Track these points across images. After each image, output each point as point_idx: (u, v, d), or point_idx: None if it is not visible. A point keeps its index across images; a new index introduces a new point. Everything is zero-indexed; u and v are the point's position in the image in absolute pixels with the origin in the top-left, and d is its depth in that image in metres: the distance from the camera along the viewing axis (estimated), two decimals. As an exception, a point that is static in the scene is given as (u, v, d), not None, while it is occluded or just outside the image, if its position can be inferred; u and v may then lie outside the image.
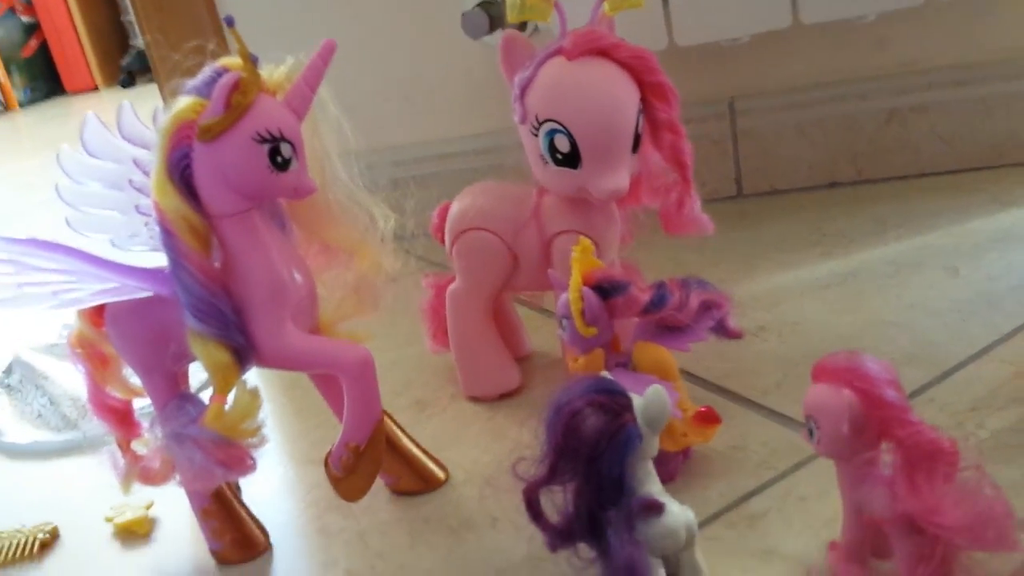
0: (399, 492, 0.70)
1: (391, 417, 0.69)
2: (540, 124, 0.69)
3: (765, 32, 0.97)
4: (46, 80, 3.63)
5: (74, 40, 3.53)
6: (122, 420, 0.69)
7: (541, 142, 0.69)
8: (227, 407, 0.59)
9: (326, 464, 0.64)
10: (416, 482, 0.70)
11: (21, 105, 3.56)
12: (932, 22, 1.02)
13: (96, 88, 3.55)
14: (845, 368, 0.48)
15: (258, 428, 0.60)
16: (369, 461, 0.63)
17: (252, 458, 0.60)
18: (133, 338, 0.63)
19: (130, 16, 3.44)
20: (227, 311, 0.58)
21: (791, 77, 1.08)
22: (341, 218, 0.65)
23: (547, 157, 0.69)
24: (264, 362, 0.61)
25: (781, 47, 1.05)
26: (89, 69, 3.56)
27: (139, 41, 3.42)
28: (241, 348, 0.59)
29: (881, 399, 0.47)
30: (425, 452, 0.71)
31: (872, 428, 0.48)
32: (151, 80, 3.22)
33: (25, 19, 3.60)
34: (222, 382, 0.58)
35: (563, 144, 0.68)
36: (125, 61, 3.42)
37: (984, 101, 1.02)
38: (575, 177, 0.69)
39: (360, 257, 0.66)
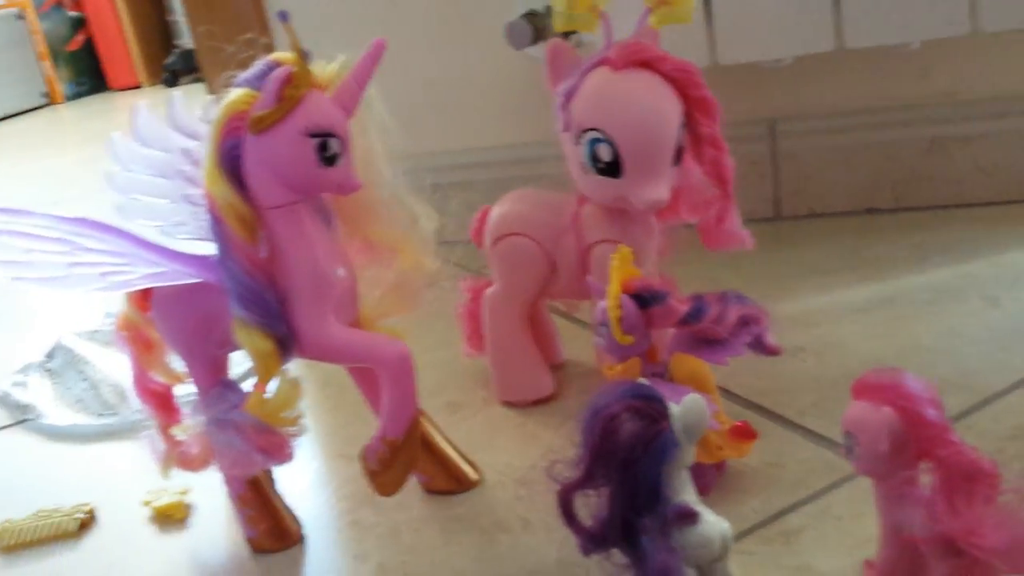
0: (432, 491, 0.71)
1: (427, 417, 0.70)
2: (583, 133, 0.69)
3: (808, 54, 0.98)
4: (91, 75, 3.68)
5: (119, 37, 3.58)
6: (163, 405, 0.70)
7: (583, 150, 0.70)
8: (268, 395, 0.60)
9: (362, 458, 0.65)
10: (449, 482, 0.70)
11: (66, 99, 3.62)
12: (976, 52, 1.02)
13: (139, 86, 3.60)
14: (886, 385, 0.48)
15: (298, 417, 0.61)
16: (405, 456, 0.64)
17: (291, 446, 0.61)
18: (178, 323, 0.64)
19: (175, 16, 3.50)
20: (272, 300, 0.59)
21: (833, 101, 1.08)
22: (385, 216, 0.66)
23: (588, 166, 0.70)
24: (306, 353, 0.62)
25: (824, 70, 1.06)
26: (133, 66, 3.61)
27: (183, 41, 3.47)
28: (284, 337, 0.60)
29: (922, 418, 0.47)
30: (459, 452, 0.72)
31: (912, 447, 0.47)
32: (193, 80, 3.26)
33: (72, 14, 3.66)
34: (264, 370, 0.59)
35: (605, 153, 0.69)
36: (169, 60, 3.46)
37: (1027, 133, 1.01)
38: (616, 186, 0.69)
39: (402, 255, 0.67)
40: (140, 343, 0.69)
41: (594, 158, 0.69)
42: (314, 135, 0.58)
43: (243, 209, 0.59)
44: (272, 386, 0.60)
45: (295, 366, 0.63)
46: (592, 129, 0.69)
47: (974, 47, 1.01)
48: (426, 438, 0.69)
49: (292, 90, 0.57)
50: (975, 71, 1.03)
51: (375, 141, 0.65)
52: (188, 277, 0.61)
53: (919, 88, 1.06)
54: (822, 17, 0.94)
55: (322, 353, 0.62)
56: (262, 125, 0.57)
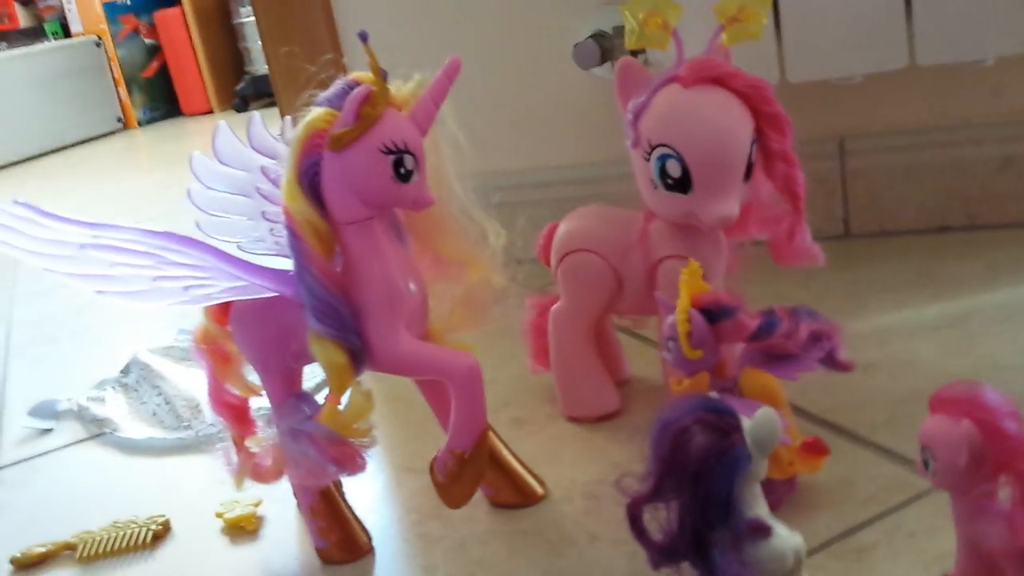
0: (498, 505, 0.71)
1: (494, 431, 0.71)
2: (652, 149, 0.70)
3: (879, 72, 0.97)
4: (164, 101, 3.79)
5: (193, 64, 3.68)
6: (239, 417, 0.72)
7: (653, 166, 0.70)
8: (341, 407, 0.61)
9: (431, 470, 0.65)
10: (515, 496, 0.71)
11: (140, 124, 3.72)
12: (1052, 69, 1.00)
13: (211, 111, 3.70)
14: (965, 398, 0.47)
15: (370, 428, 0.62)
16: (473, 469, 0.64)
17: (363, 457, 0.62)
18: (255, 336, 0.66)
19: (247, 43, 3.59)
20: (346, 314, 0.60)
21: (903, 119, 1.07)
22: (455, 231, 0.67)
23: (658, 182, 0.70)
24: (378, 366, 0.63)
25: (894, 88, 1.05)
26: (206, 92, 3.71)
27: (254, 68, 3.55)
28: (357, 350, 0.61)
29: (1002, 431, 0.46)
30: (525, 467, 0.72)
31: (991, 460, 0.47)
32: (263, 106, 3.34)
33: (148, 41, 3.78)
34: (337, 382, 0.61)
35: (675, 169, 0.69)
36: (239, 86, 3.55)
37: (1106, 150, 0.99)
38: (685, 202, 0.70)
39: (471, 270, 0.68)
40: (217, 356, 0.70)
41: (663, 174, 0.70)
42: (390, 152, 0.59)
43: (320, 225, 0.60)
44: (345, 398, 0.61)
45: (366, 379, 0.64)
46: (662, 145, 0.69)
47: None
48: (493, 452, 0.70)
49: (370, 109, 0.59)
50: (1049, 89, 1.02)
51: (446, 158, 0.66)
52: (267, 291, 0.62)
53: (991, 106, 1.04)
54: (894, 34, 0.93)
55: (394, 366, 0.63)
56: (341, 143, 0.59)
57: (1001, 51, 0.93)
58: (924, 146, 1.06)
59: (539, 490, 0.71)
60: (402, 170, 0.60)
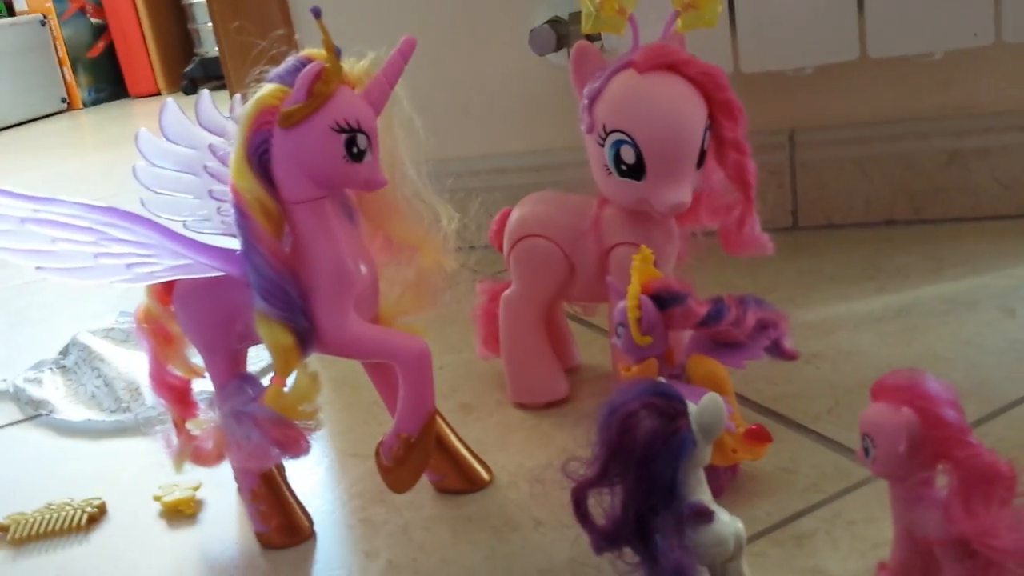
0: (444, 490, 0.71)
1: (441, 416, 0.70)
2: (607, 134, 0.70)
3: (829, 64, 0.98)
4: (110, 82, 3.72)
5: (140, 44, 3.62)
6: (180, 399, 0.70)
7: (607, 152, 0.70)
8: (286, 389, 0.60)
9: (377, 454, 0.65)
10: (461, 481, 0.70)
11: (85, 105, 3.65)
12: (998, 64, 1.02)
13: (158, 93, 3.63)
14: (906, 386, 0.48)
15: (315, 411, 0.61)
16: (419, 453, 0.64)
17: (307, 440, 0.61)
18: (199, 317, 0.65)
19: (196, 24, 3.53)
20: (294, 294, 0.59)
21: (853, 112, 1.08)
22: (407, 213, 0.67)
23: (612, 167, 0.70)
24: (326, 348, 0.62)
25: (845, 81, 1.06)
26: (153, 74, 3.64)
27: (204, 49, 3.49)
28: (304, 332, 0.60)
29: (941, 419, 0.47)
30: (472, 452, 0.72)
31: (929, 448, 0.47)
32: (212, 88, 3.29)
33: (95, 21, 3.70)
34: (283, 364, 0.60)
35: (629, 155, 0.69)
36: (188, 68, 3.49)
37: (1048, 147, 1.01)
38: (638, 189, 0.70)
39: (422, 253, 0.68)
40: (160, 336, 0.69)
41: (617, 160, 0.69)
42: (342, 130, 0.58)
43: (269, 203, 0.59)
44: (291, 380, 0.60)
45: (313, 362, 0.63)
46: (616, 131, 0.69)
47: (995, 59, 1.01)
48: (440, 437, 0.69)
49: (323, 86, 0.58)
50: (995, 84, 1.03)
51: (400, 139, 0.65)
52: (212, 270, 0.61)
53: (939, 100, 1.06)
54: (846, 26, 0.94)
55: (342, 348, 0.63)
56: (292, 120, 0.58)
57: (950, 45, 0.94)
58: (873, 139, 1.07)
59: (485, 476, 0.71)
60: (355, 149, 0.59)
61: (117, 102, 3.69)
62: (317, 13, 0.58)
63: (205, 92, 0.70)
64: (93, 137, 3.13)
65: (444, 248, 0.68)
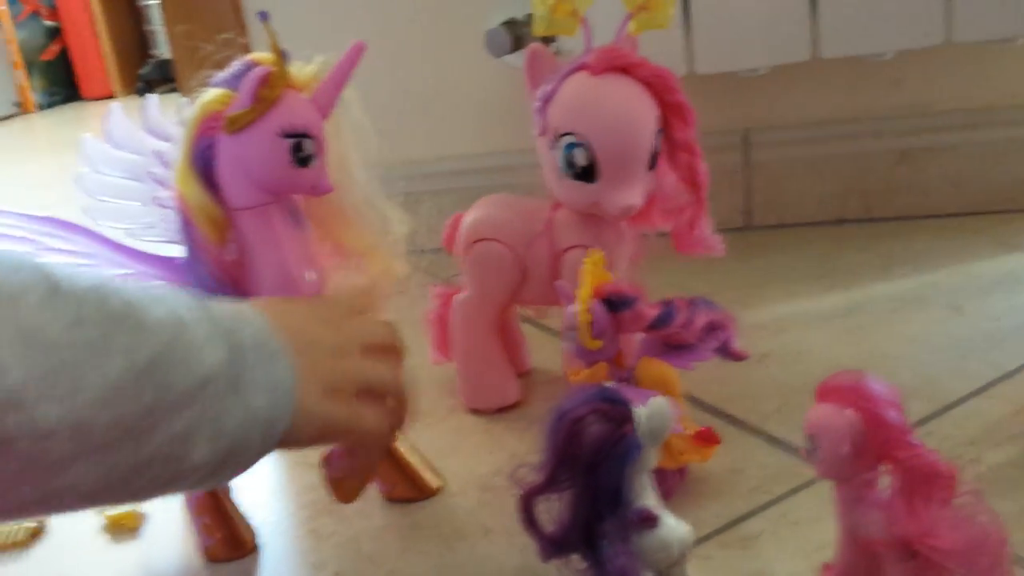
0: (394, 500, 0.70)
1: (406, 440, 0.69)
2: (559, 137, 0.69)
3: (783, 65, 0.98)
4: (64, 85, 3.65)
5: (95, 47, 3.56)
6: None
7: (559, 155, 0.70)
8: None
9: (322, 464, 0.64)
10: (411, 490, 0.70)
11: (39, 108, 3.58)
12: (948, 64, 1.03)
13: (113, 96, 3.58)
14: (849, 388, 0.48)
15: None
16: (364, 464, 0.63)
17: None
18: None
19: (152, 26, 3.48)
20: None
21: (806, 112, 1.09)
22: (356, 220, 0.66)
23: (564, 170, 0.70)
24: None
25: (798, 81, 1.06)
26: (108, 77, 3.58)
27: (159, 51, 3.45)
28: None
29: (883, 420, 0.47)
30: (422, 460, 0.71)
31: (872, 449, 0.47)
32: (168, 91, 3.24)
33: (48, 23, 3.64)
34: None
35: (581, 158, 0.68)
36: (144, 70, 3.45)
37: (994, 146, 1.02)
38: (590, 192, 0.69)
39: (371, 260, 0.66)
40: None
41: (569, 163, 0.69)
42: (289, 135, 0.57)
43: (213, 210, 0.58)
44: None
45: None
46: (568, 133, 0.69)
47: (945, 59, 1.02)
48: (395, 454, 0.69)
49: (268, 90, 0.57)
50: (946, 83, 1.05)
51: (349, 144, 0.64)
52: (155, 279, 0.60)
53: (891, 99, 1.07)
54: (799, 27, 0.95)
55: None
56: (237, 125, 0.57)
57: (901, 45, 0.95)
58: (825, 139, 1.08)
59: (434, 484, 0.70)
60: (301, 154, 0.58)
61: (71, 105, 3.63)
62: (264, 17, 0.57)
63: (152, 97, 0.69)
64: (46, 140, 3.08)
65: (394, 254, 0.67)
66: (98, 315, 0.39)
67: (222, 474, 0.46)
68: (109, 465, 0.39)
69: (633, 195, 0.68)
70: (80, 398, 0.37)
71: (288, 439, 0.48)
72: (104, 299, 0.40)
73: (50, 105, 3.62)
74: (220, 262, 0.58)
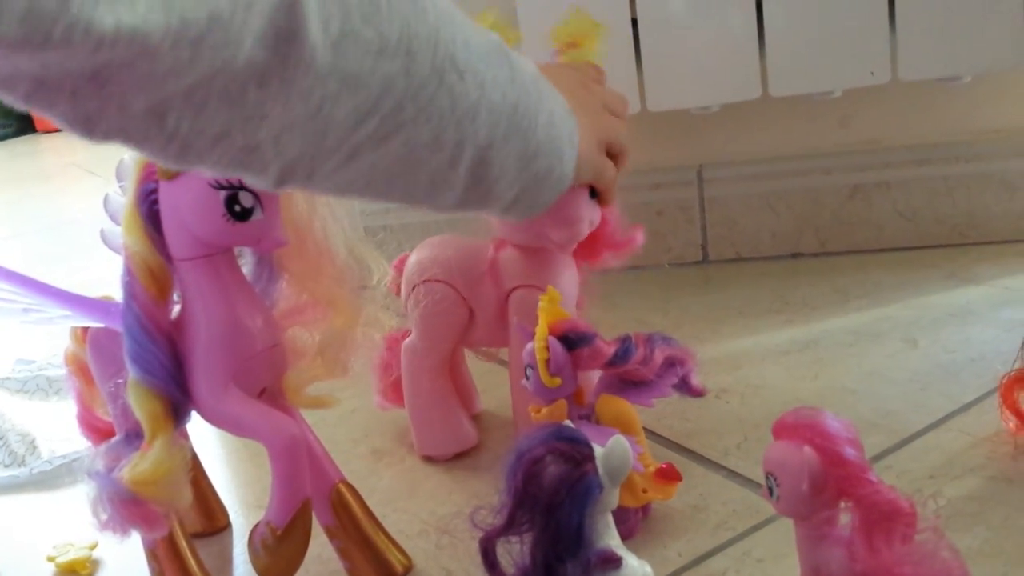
0: None
1: (357, 496, 0.64)
2: None
3: (735, 103, 1.00)
4: (17, 117, 3.60)
5: (48, 80, 3.52)
6: (105, 440, 0.67)
7: None
8: (143, 462, 0.56)
9: (250, 539, 0.60)
10: (373, 572, 0.64)
11: (-11, 141, 3.53)
12: (896, 101, 1.05)
13: (67, 129, 3.54)
14: (806, 425, 0.48)
15: (174, 487, 0.56)
16: (289, 545, 0.58)
17: (163, 519, 0.58)
18: (104, 363, 0.62)
19: (106, 60, 3.45)
20: (167, 362, 0.56)
21: (758, 148, 1.10)
22: (328, 271, 0.62)
23: None
24: (203, 417, 0.59)
25: (750, 118, 1.08)
26: (61, 110, 3.55)
27: (113, 85, 3.42)
28: (177, 401, 0.57)
29: (841, 457, 0.47)
30: (389, 539, 0.65)
31: (831, 486, 0.47)
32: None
33: None
34: (151, 432, 0.56)
35: None
36: (98, 104, 3.42)
37: (945, 180, 1.04)
38: (534, 223, 0.68)
39: (336, 314, 0.62)
40: (85, 378, 0.66)
41: None
42: (221, 188, 0.54)
43: (154, 261, 0.56)
44: (152, 451, 0.56)
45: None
46: None
47: (893, 96, 1.04)
48: (353, 523, 0.64)
49: None
50: (894, 120, 1.06)
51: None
52: (96, 321, 0.58)
53: (841, 136, 1.08)
54: (748, 67, 0.96)
55: (216, 421, 0.59)
56: (169, 172, 0.55)
57: (848, 83, 0.97)
58: (778, 175, 1.09)
59: (399, 567, 0.64)
60: (237, 208, 0.54)
61: (24, 137, 3.58)
62: None
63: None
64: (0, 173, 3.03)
65: (366, 307, 0.63)
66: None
67: (524, 198, 0.58)
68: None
69: (577, 222, 0.68)
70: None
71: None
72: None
73: (2, 138, 3.57)
74: (151, 315, 0.55)
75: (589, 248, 0.71)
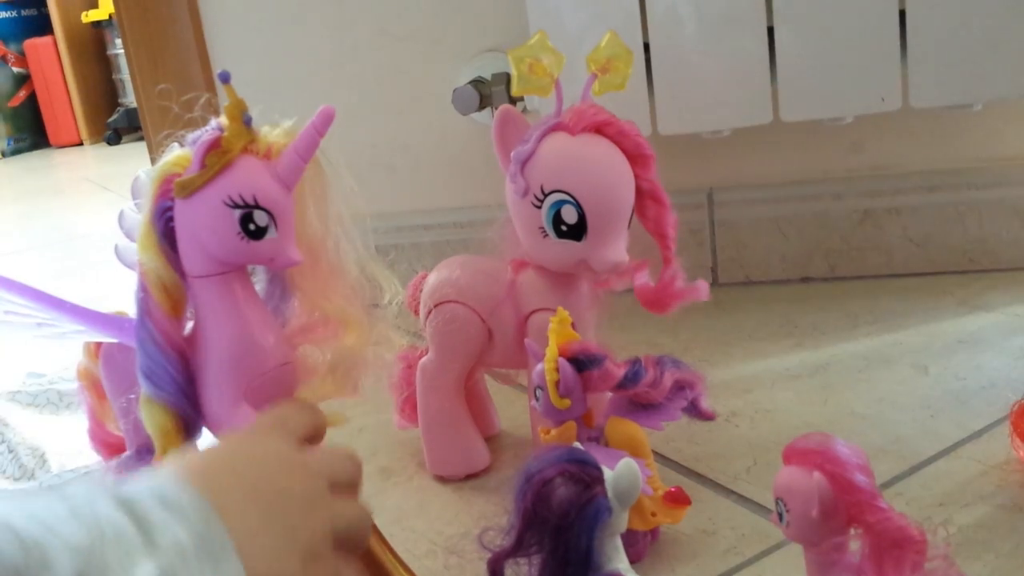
0: None
1: (379, 536, 0.60)
2: (545, 195, 0.69)
3: (746, 127, 1.00)
4: (32, 132, 3.64)
5: (63, 94, 3.55)
6: (116, 456, 0.67)
7: (545, 213, 0.69)
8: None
9: None
10: None
11: (4, 155, 3.56)
12: (907, 128, 1.05)
13: (81, 143, 3.56)
14: (816, 451, 0.48)
15: None
16: None
17: None
18: (115, 378, 0.62)
19: (121, 75, 3.48)
20: (179, 378, 0.57)
21: (769, 172, 1.11)
22: (340, 290, 0.62)
23: (549, 229, 0.70)
24: (214, 434, 0.59)
25: (760, 143, 1.08)
26: (76, 124, 3.57)
27: (128, 100, 3.45)
28: (188, 417, 0.57)
29: (851, 483, 0.47)
30: (396, 558, 0.61)
31: (841, 513, 0.47)
32: (137, 139, 3.24)
33: (16, 70, 3.63)
34: (162, 447, 0.57)
35: (570, 215, 0.68)
36: (112, 118, 3.44)
37: (956, 207, 1.04)
38: (578, 250, 0.69)
39: (348, 332, 0.62)
40: (97, 393, 0.66)
41: (557, 220, 0.69)
42: (236, 206, 0.55)
43: (168, 278, 0.56)
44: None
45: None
46: (557, 191, 0.69)
47: (904, 123, 1.04)
48: (368, 551, 0.63)
49: (215, 156, 0.55)
50: (905, 146, 1.07)
51: (333, 209, 0.61)
52: (109, 337, 0.59)
53: (851, 161, 1.09)
54: (760, 91, 0.97)
55: None
56: (186, 191, 0.55)
57: (859, 110, 0.97)
58: (788, 199, 1.09)
59: None
60: (251, 227, 0.55)
61: (38, 152, 3.61)
62: (225, 78, 0.56)
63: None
64: (10, 188, 3.05)
65: (377, 326, 0.63)
66: None
67: None
68: None
69: (620, 251, 0.69)
70: None
71: None
72: None
73: (16, 152, 3.60)
74: (164, 331, 0.56)
75: (654, 300, 0.72)
